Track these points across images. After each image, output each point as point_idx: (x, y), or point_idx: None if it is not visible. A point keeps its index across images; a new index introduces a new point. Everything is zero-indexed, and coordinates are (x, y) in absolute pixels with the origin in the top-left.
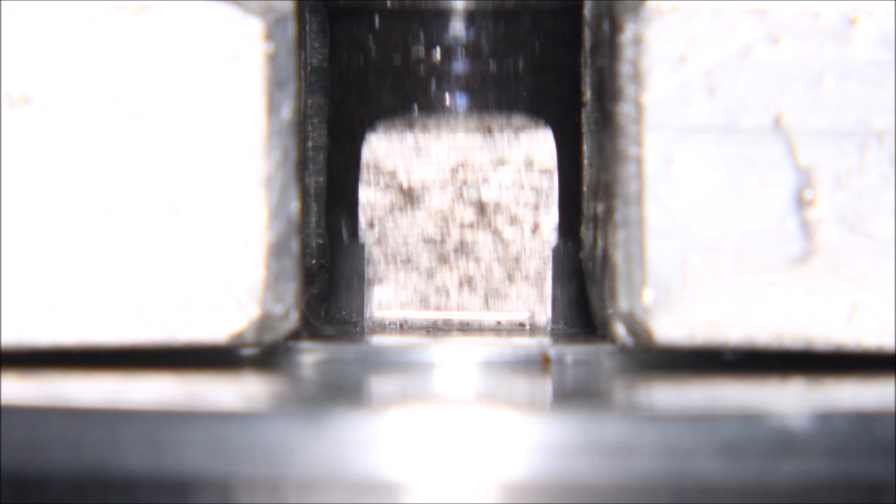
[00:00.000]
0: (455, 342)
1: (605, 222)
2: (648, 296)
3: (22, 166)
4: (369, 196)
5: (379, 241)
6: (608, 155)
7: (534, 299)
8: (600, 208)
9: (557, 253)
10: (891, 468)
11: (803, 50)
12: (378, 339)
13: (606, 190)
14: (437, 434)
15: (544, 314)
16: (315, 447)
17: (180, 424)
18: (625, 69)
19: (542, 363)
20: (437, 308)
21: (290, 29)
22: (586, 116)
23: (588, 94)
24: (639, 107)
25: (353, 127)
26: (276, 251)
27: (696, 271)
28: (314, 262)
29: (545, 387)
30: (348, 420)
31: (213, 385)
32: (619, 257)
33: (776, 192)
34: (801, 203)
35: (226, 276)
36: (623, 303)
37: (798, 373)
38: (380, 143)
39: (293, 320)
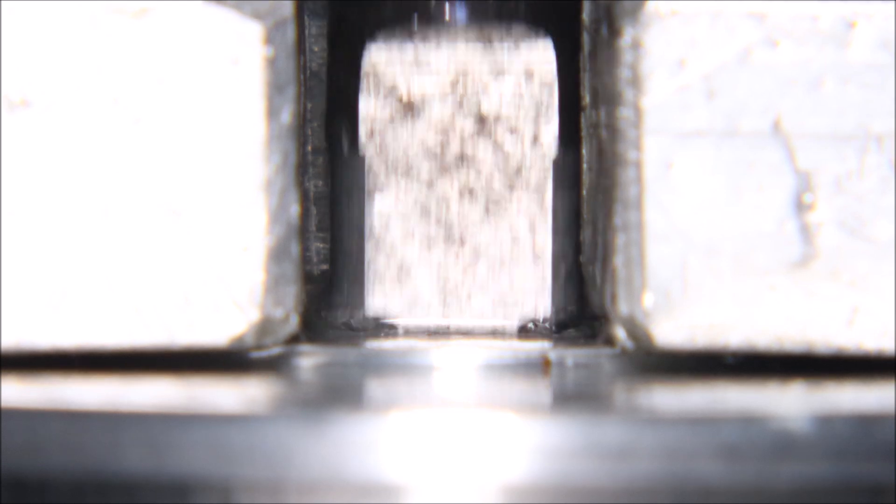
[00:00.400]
0: (455, 345)
1: (604, 226)
2: (648, 299)
3: (22, 169)
4: (369, 107)
5: (379, 152)
6: (608, 159)
7: (535, 210)
8: (600, 212)
9: (557, 164)
10: (891, 471)
11: (802, 53)
12: (378, 342)
13: (606, 194)
14: (437, 437)
15: (545, 223)
16: (315, 450)
17: (181, 427)
18: (624, 73)
19: (542, 366)
20: (438, 220)
21: (290, 33)
22: (585, 120)
23: (587, 98)
24: (638, 111)
25: (353, 40)
26: (276, 255)
27: (696, 275)
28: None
29: (545, 390)
30: (349, 422)
31: (214, 388)
32: (618, 261)
33: (776, 196)
34: (801, 207)
35: (226, 279)
36: (623, 306)
37: (798, 376)
38: (380, 55)
39: (293, 324)
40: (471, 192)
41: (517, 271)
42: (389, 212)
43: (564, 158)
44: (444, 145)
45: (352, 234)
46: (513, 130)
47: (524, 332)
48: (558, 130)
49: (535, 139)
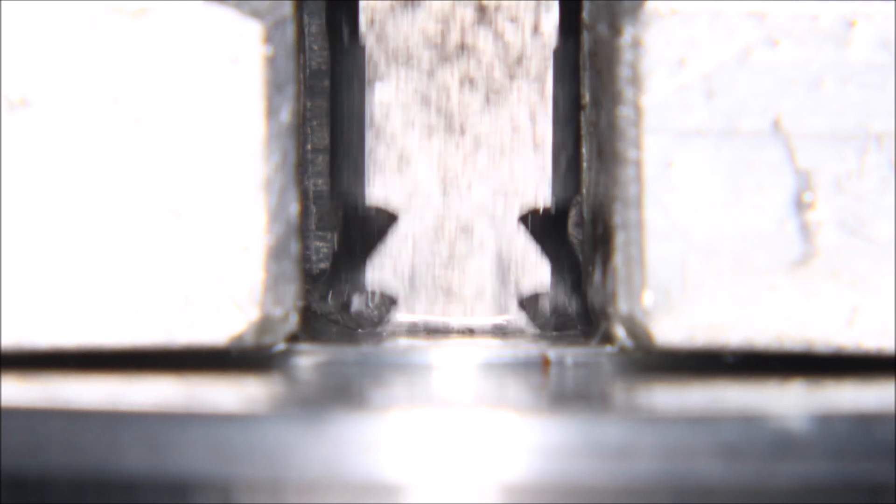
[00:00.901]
0: (455, 344)
1: (604, 225)
2: (648, 298)
3: (22, 169)
4: None
5: (379, 41)
6: (607, 158)
7: (535, 99)
8: (600, 211)
9: (558, 53)
10: (891, 470)
11: (802, 53)
12: (378, 341)
13: (606, 192)
14: (436, 436)
15: (545, 112)
16: (315, 449)
17: (180, 426)
18: (623, 72)
19: (541, 365)
20: (438, 109)
21: (290, 32)
22: (585, 119)
23: (587, 97)
24: (638, 110)
25: None
26: (276, 254)
27: (695, 274)
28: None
29: (545, 389)
30: (348, 422)
31: (213, 387)
32: (618, 260)
33: (775, 196)
34: (801, 206)
35: (225, 278)
36: (623, 305)
37: (798, 375)
38: None
39: (293, 322)
40: (471, 81)
41: (517, 161)
42: (390, 101)
43: (565, 48)
44: (444, 34)
45: (352, 123)
46: (513, 20)
47: (523, 221)
48: (559, 20)
49: (536, 28)
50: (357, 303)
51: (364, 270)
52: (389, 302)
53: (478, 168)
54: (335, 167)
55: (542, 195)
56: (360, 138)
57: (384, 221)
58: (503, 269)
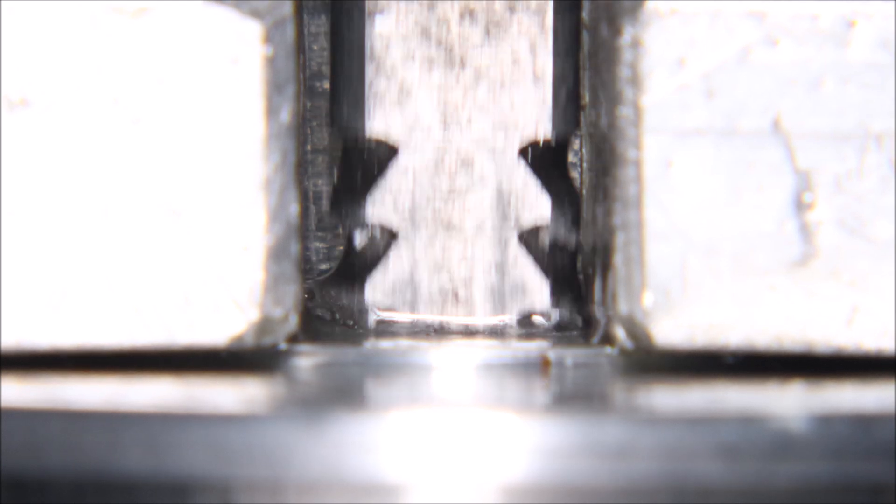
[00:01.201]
0: (455, 345)
1: (604, 225)
2: (648, 299)
3: (21, 169)
4: None
5: None
6: (607, 158)
7: (535, 32)
8: (599, 211)
9: None
10: (890, 470)
11: (802, 53)
12: (377, 342)
13: (605, 193)
14: (436, 436)
15: (545, 45)
16: (315, 449)
17: (180, 427)
18: (623, 72)
19: (541, 366)
20: (439, 41)
21: (290, 32)
22: (585, 119)
23: (587, 97)
24: (637, 110)
25: None
26: (276, 254)
27: (695, 274)
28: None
29: (545, 389)
30: (348, 422)
31: (213, 388)
32: (618, 260)
33: (775, 196)
34: (801, 206)
35: (225, 279)
36: (622, 306)
37: (798, 375)
38: None
39: (292, 323)
40: (471, 13)
41: (517, 93)
42: (390, 33)
43: None
44: None
45: (352, 56)
46: None
47: (523, 154)
48: None
49: None
50: (359, 239)
51: (364, 205)
52: (389, 237)
53: (478, 101)
54: (335, 100)
55: (542, 128)
56: (360, 71)
57: (384, 155)
58: (503, 203)
